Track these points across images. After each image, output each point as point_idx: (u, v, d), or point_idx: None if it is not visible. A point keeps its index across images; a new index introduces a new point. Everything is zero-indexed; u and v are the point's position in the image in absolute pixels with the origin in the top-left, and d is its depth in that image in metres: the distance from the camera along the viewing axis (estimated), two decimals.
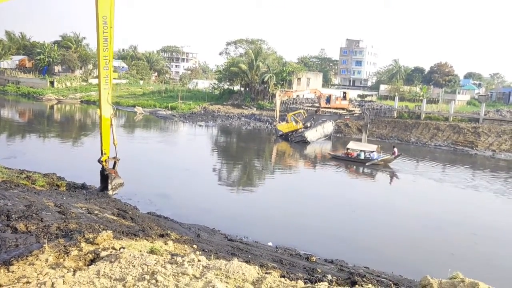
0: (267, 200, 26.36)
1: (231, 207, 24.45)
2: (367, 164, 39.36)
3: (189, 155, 41.54)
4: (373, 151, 41.03)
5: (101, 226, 12.20)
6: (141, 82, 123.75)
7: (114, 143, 21.76)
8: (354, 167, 39.47)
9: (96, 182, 23.60)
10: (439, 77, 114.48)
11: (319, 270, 13.14)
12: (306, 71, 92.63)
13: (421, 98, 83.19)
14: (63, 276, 7.63)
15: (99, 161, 22.25)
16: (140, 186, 26.21)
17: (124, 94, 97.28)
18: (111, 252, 8.90)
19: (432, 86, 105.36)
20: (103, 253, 8.74)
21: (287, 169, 37.35)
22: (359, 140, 49.75)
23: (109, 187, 22.16)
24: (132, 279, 7.62)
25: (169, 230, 15.14)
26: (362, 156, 40.79)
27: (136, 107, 79.45)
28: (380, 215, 24.31)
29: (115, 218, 15.50)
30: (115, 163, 22.50)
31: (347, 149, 41.97)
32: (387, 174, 37.02)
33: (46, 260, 8.47)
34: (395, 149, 41.08)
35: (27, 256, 8.59)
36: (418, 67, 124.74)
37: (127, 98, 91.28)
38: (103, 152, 22.09)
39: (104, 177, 22.42)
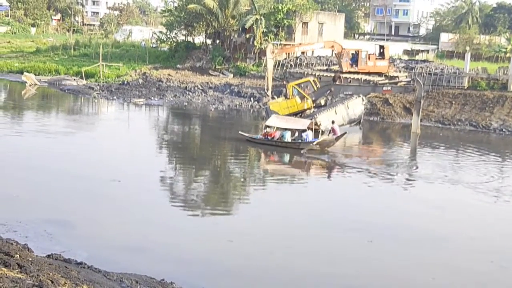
0: (252, 229, 18.27)
1: (192, 243, 16.79)
2: (302, 151, 28.69)
3: (120, 156, 28.39)
4: (306, 130, 29.70)
5: None
6: (34, 30, 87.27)
7: None
8: (276, 154, 29.66)
9: None
10: None
11: None
12: (317, 11, 63.66)
13: (508, 55, 58.70)
14: None
15: None
16: (31, 209, 18.18)
17: (4, 52, 66.76)
18: None
19: None
20: None
21: (288, 178, 26.89)
22: (407, 126, 36.25)
23: None
24: None
25: (86, 285, 11.37)
26: (288, 138, 29.84)
27: (25, 74, 53.49)
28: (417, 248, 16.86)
29: None
30: None
31: (267, 127, 30.81)
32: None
33: None
34: (335, 126, 30.08)
35: None
36: (503, 4, 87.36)
37: (9, 59, 62.46)
38: None
39: None
